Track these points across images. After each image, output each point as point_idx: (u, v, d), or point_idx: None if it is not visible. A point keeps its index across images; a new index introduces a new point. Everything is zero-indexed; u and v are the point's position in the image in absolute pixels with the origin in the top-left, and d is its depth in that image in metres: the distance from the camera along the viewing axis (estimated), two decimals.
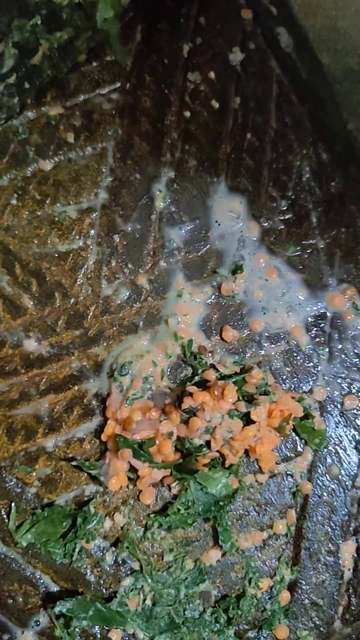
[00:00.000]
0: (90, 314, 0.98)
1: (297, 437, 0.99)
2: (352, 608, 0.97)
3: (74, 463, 0.94)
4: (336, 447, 1.00)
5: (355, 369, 1.02)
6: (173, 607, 0.92)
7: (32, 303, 0.97)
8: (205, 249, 1.02)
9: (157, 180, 1.03)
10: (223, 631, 0.93)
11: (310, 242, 1.05)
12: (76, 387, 0.96)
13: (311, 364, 1.01)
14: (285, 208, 1.05)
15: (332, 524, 0.98)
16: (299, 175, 1.06)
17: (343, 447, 1.00)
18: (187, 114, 1.05)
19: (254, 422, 0.92)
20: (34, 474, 0.94)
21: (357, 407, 1.01)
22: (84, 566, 0.93)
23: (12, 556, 0.92)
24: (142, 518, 0.95)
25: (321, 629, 0.96)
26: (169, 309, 0.99)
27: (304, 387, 1.01)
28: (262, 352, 1.01)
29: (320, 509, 0.98)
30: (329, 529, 0.98)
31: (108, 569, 0.93)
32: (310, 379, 1.01)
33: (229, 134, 1.06)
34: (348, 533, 0.98)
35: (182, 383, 0.97)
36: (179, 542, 0.95)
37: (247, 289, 1.01)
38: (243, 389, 0.94)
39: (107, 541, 0.94)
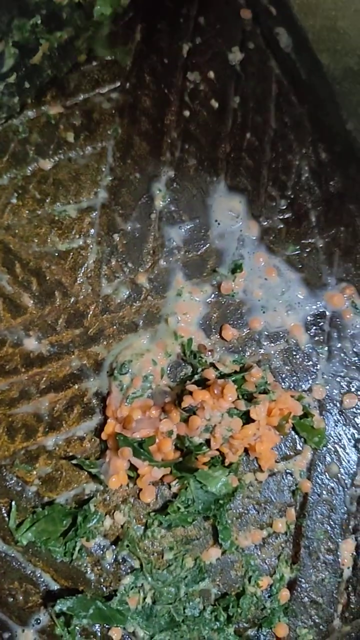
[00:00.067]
0: (90, 312, 0.98)
1: (296, 436, 0.99)
2: (352, 606, 0.97)
3: (74, 462, 0.94)
4: (335, 445, 1.00)
5: (354, 367, 1.02)
6: (173, 606, 0.93)
7: (32, 302, 0.98)
8: (204, 248, 1.02)
9: (156, 179, 1.03)
10: (223, 629, 0.93)
11: (310, 241, 1.05)
12: (76, 386, 0.96)
13: (310, 362, 1.02)
14: (284, 207, 1.05)
15: (332, 522, 0.98)
16: (298, 174, 1.06)
17: (342, 446, 1.00)
18: (187, 113, 1.05)
19: (253, 420, 0.92)
20: (35, 472, 0.94)
21: (356, 406, 1.01)
22: (84, 564, 0.93)
23: (13, 554, 0.92)
24: (142, 516, 0.95)
25: (320, 627, 0.96)
26: (169, 307, 0.99)
27: (303, 386, 1.01)
28: (262, 351, 1.01)
29: (319, 508, 0.98)
30: (329, 527, 0.98)
31: (108, 567, 0.93)
32: (309, 378, 1.01)
33: (229, 134, 1.06)
34: (347, 531, 0.98)
35: (182, 382, 0.97)
36: (179, 540, 0.95)
37: (246, 288, 1.02)
38: (243, 388, 0.94)
39: (108, 539, 0.94)
